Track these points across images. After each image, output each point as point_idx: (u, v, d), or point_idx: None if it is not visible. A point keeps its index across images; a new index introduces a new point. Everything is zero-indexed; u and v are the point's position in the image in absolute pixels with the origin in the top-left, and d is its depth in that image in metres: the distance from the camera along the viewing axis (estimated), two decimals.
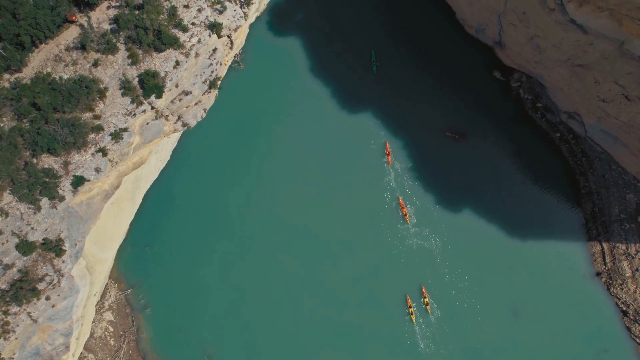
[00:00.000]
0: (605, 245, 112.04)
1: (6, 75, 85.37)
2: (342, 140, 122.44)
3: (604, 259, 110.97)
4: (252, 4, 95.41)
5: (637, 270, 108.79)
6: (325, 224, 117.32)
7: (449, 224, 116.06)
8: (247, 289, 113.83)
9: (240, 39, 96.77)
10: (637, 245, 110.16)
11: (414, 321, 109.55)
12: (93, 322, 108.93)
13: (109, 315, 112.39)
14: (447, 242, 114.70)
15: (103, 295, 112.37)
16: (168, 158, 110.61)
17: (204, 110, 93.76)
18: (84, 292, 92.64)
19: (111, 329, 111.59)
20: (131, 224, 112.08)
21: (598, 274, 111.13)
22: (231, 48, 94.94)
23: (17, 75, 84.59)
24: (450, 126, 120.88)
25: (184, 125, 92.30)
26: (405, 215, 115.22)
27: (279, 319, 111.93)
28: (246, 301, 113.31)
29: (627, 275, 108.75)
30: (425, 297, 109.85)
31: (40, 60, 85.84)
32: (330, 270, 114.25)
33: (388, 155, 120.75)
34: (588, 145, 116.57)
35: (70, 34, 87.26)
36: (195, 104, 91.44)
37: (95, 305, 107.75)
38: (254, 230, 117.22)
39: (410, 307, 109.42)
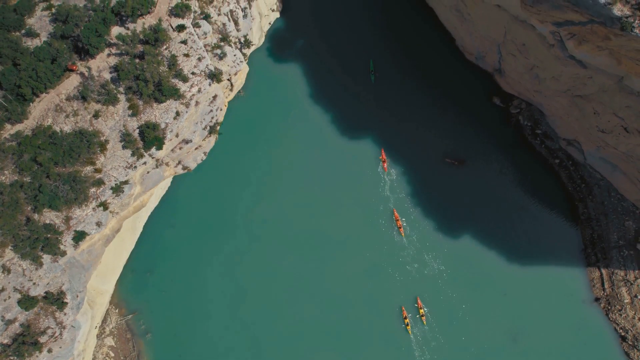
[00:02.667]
0: (604, 271, 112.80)
1: (7, 126, 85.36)
2: (341, 162, 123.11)
3: (602, 284, 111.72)
4: (252, 45, 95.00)
5: (635, 296, 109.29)
6: (323, 237, 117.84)
7: (449, 248, 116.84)
8: (247, 316, 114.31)
9: (240, 79, 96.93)
10: (636, 272, 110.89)
11: (410, 332, 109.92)
12: (94, 347, 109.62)
13: (109, 341, 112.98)
14: (447, 267, 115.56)
15: (104, 321, 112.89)
16: (169, 185, 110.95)
17: (204, 153, 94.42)
18: (85, 327, 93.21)
19: (112, 355, 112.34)
20: (132, 251, 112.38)
21: (597, 299, 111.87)
22: (231, 90, 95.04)
23: (18, 126, 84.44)
24: (449, 152, 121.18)
25: (184, 168, 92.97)
26: (400, 227, 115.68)
27: (278, 343, 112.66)
28: (246, 327, 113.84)
29: (626, 301, 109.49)
30: (420, 309, 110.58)
31: (41, 110, 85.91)
32: (326, 281, 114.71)
33: (384, 162, 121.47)
34: (587, 172, 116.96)
35: (71, 82, 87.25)
36: (196, 148, 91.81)
37: (96, 331, 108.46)
38: (253, 256, 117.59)
39: (405, 318, 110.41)
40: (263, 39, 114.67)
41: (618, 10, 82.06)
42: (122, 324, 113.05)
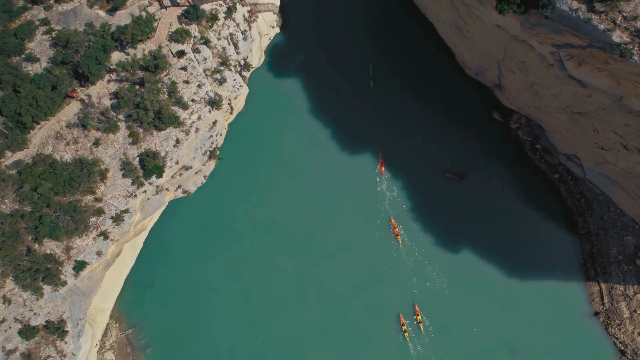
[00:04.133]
0: (603, 285, 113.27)
1: (8, 153, 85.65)
2: (341, 176, 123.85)
3: (602, 299, 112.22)
4: (252, 67, 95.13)
5: (635, 311, 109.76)
6: (321, 246, 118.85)
7: (449, 260, 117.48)
8: (247, 329, 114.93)
9: (240, 101, 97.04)
10: (635, 287, 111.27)
11: (407, 338, 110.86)
12: None
13: (110, 355, 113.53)
14: (446, 278, 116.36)
15: (104, 335, 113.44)
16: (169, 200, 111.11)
17: (204, 177, 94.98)
18: (85, 347, 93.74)
19: None
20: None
21: (596, 313, 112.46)
22: (231, 112, 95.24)
23: (18, 154, 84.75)
24: (449, 167, 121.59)
25: (184, 192, 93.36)
26: (397, 235, 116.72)
27: (279, 356, 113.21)
28: (246, 341, 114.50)
29: (625, 316, 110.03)
30: (418, 315, 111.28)
31: (41, 138, 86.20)
32: (324, 289, 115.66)
33: (381, 165, 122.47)
34: (587, 186, 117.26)
35: (71, 109, 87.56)
36: (196, 172, 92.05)
37: (97, 348, 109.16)
38: (252, 270, 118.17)
39: (403, 324, 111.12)
40: (263, 58, 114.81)
41: (617, 36, 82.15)
42: (122, 338, 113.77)
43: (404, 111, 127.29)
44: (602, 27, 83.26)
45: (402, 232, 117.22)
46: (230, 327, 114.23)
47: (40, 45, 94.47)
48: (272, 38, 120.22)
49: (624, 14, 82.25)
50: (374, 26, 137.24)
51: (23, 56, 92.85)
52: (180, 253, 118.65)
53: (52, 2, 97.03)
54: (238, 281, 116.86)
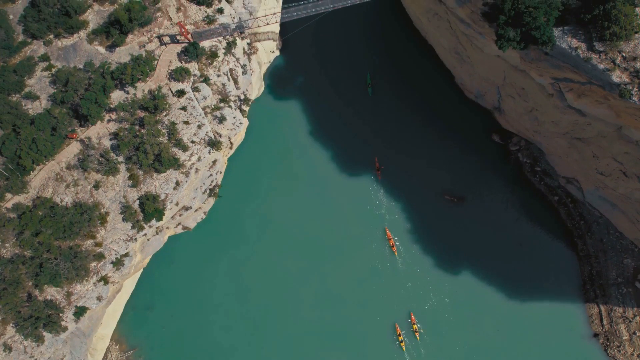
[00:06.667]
0: (602, 307, 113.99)
1: (8, 195, 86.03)
2: (340, 198, 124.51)
3: (601, 320, 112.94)
4: (251, 102, 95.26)
5: (634, 333, 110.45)
6: (319, 261, 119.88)
7: (450, 281, 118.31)
8: (247, 351, 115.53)
9: (240, 136, 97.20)
10: (635, 309, 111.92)
11: (404, 349, 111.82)
12: None
13: None
14: (445, 297, 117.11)
15: (105, 357, 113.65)
16: None
17: (204, 213, 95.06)
18: None
19: None
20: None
21: (595, 335, 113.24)
22: (231, 148, 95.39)
23: (18, 197, 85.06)
24: (449, 189, 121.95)
25: (184, 228, 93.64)
26: (393, 246, 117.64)
27: None
28: None
29: (625, 338, 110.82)
30: (414, 324, 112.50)
31: (41, 179, 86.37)
32: (320, 299, 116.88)
33: (378, 170, 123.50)
34: (586, 209, 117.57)
35: (71, 150, 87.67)
36: (195, 210, 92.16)
37: None
38: (251, 293, 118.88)
39: (399, 335, 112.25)
40: (263, 88, 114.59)
41: (617, 77, 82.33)
42: (123, 359, 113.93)
43: (403, 131, 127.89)
44: (601, 66, 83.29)
45: (397, 242, 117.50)
46: (230, 349, 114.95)
47: (40, 82, 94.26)
48: (271, 61, 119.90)
49: (624, 54, 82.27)
50: (374, 47, 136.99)
51: (23, 94, 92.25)
52: (179, 276, 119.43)
53: (51, 37, 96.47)
54: (237, 303, 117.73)
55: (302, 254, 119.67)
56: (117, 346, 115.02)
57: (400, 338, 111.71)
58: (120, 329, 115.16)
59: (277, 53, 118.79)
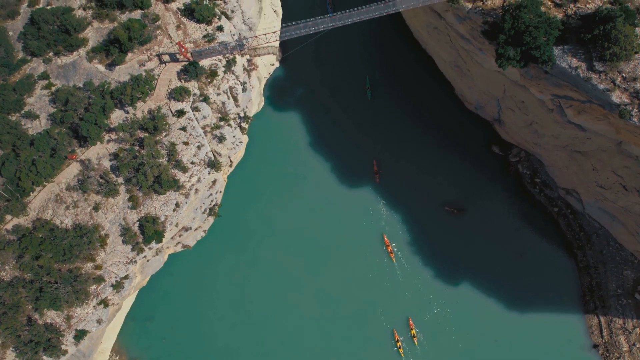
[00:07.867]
0: (602, 318, 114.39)
1: (7, 217, 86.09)
2: (340, 213, 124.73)
3: (601, 332, 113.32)
4: (251, 119, 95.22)
5: (634, 344, 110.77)
6: (319, 266, 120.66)
7: (450, 292, 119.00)
8: None
9: (240, 154, 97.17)
10: (634, 320, 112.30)
11: (402, 354, 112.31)
12: None
13: None
14: (449, 310, 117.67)
15: None
16: None
17: (204, 231, 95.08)
18: None
19: None
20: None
21: (595, 346, 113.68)
22: (230, 165, 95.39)
23: (18, 219, 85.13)
24: (449, 200, 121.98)
25: (183, 246, 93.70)
26: (391, 253, 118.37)
27: None
28: None
29: (624, 349, 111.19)
30: (412, 329, 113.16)
31: (41, 201, 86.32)
32: (319, 305, 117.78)
33: (376, 174, 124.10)
34: (586, 220, 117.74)
35: (71, 171, 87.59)
36: (195, 229, 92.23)
37: None
38: (250, 304, 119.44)
39: (398, 341, 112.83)
40: (263, 103, 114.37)
41: (617, 97, 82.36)
42: None
43: (403, 141, 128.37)
44: (601, 86, 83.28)
45: (395, 249, 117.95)
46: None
47: (39, 101, 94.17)
48: (271, 73, 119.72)
49: (624, 74, 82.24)
50: (374, 57, 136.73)
51: (22, 113, 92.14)
52: (179, 287, 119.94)
53: (51, 54, 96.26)
54: (238, 314, 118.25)
55: (301, 265, 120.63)
56: (117, 357, 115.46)
57: (399, 344, 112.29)
58: (121, 340, 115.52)
59: (277, 64, 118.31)
